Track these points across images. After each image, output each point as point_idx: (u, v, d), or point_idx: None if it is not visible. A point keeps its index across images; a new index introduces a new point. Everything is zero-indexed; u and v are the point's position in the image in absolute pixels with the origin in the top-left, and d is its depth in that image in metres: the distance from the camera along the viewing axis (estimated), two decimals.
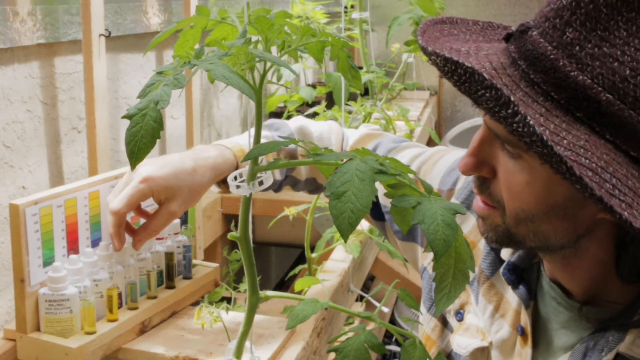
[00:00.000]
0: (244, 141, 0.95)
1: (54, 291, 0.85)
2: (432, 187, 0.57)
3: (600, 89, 0.58)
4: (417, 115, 2.41)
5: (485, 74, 0.59)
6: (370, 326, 0.62)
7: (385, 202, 0.95)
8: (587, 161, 0.56)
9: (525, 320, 0.75)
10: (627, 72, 0.57)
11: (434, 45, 0.65)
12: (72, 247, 0.91)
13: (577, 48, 0.59)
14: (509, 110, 0.57)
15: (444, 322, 0.86)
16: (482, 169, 0.68)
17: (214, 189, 0.97)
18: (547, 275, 0.75)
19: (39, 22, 1.05)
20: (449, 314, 0.83)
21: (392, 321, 2.01)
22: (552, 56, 0.59)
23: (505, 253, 0.79)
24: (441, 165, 0.91)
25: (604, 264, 0.68)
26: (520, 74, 0.61)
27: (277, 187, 0.98)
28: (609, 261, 0.67)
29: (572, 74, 0.58)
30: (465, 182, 0.87)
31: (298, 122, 1.00)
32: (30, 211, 0.84)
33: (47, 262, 0.87)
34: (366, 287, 1.84)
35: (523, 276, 0.77)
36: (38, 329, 0.87)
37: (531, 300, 0.76)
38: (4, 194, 1.02)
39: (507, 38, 0.66)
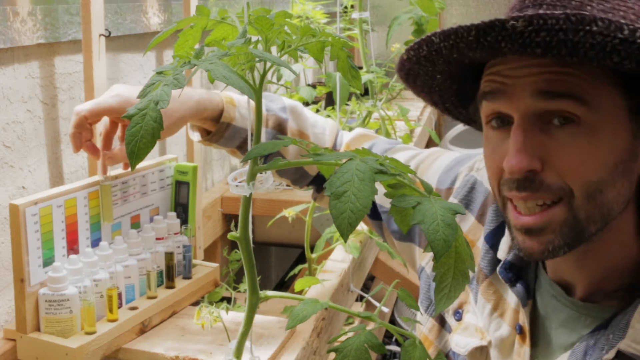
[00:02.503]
0: (232, 94, 0.94)
1: (54, 291, 0.85)
2: (432, 187, 0.57)
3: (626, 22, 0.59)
4: (417, 115, 2.41)
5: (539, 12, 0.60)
6: (370, 326, 0.62)
7: (382, 201, 0.95)
8: None
9: (523, 319, 0.75)
10: (632, 16, 0.62)
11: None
12: (72, 247, 0.91)
13: (589, 8, 0.63)
14: (586, 26, 0.57)
15: (442, 323, 0.85)
16: (534, 161, 0.64)
17: (195, 137, 0.95)
18: (547, 274, 0.75)
19: (39, 22, 1.05)
20: (448, 313, 0.83)
21: (392, 321, 2.01)
22: (568, 12, 0.58)
23: (502, 252, 0.79)
24: (438, 164, 0.91)
25: (624, 247, 0.68)
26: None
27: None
28: (629, 241, 0.68)
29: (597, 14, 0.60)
30: (464, 181, 0.87)
31: (294, 102, 1.00)
32: (30, 211, 0.84)
33: (47, 262, 0.87)
34: (366, 287, 1.84)
35: (521, 274, 0.76)
36: (38, 329, 0.87)
37: (530, 299, 0.75)
38: (3, 194, 1.02)
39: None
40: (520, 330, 0.75)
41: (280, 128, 0.95)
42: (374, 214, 0.97)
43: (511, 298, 0.77)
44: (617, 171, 0.64)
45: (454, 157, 0.91)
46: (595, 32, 0.57)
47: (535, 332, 0.75)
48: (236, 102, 0.93)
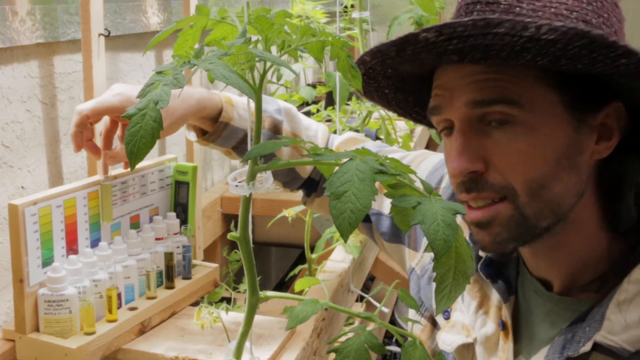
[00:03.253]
0: (231, 95, 0.95)
1: (53, 291, 0.85)
2: (432, 187, 0.57)
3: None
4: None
5: (492, 17, 0.62)
6: (371, 326, 0.62)
7: (372, 204, 0.95)
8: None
9: (505, 315, 0.76)
10: (564, 11, 0.64)
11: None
12: (72, 247, 0.91)
13: (517, 9, 0.64)
14: (532, 29, 0.58)
15: (434, 323, 0.86)
16: (476, 163, 0.68)
17: (191, 137, 0.95)
18: (527, 269, 0.76)
19: (38, 22, 1.05)
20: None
21: (392, 321, 2.01)
22: (504, 17, 0.61)
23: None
24: (425, 165, 0.93)
25: (590, 237, 0.69)
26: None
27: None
28: (594, 231, 0.69)
29: (528, 20, 0.62)
30: (449, 182, 0.88)
31: (288, 105, 1.00)
32: (30, 211, 0.84)
33: (47, 262, 0.87)
34: (366, 288, 1.84)
35: (502, 271, 0.78)
36: (37, 329, 0.86)
37: (512, 295, 0.77)
38: (3, 194, 1.02)
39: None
40: (503, 326, 0.76)
41: (275, 130, 0.96)
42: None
43: (494, 295, 0.78)
44: (560, 166, 0.65)
45: (440, 159, 0.93)
46: (502, 34, 0.59)
47: (518, 328, 0.76)
48: (235, 102, 0.93)
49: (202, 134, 0.94)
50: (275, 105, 0.97)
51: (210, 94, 0.91)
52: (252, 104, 0.60)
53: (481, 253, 0.80)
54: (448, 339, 0.80)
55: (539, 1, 0.64)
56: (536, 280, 0.75)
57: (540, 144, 0.65)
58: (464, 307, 0.81)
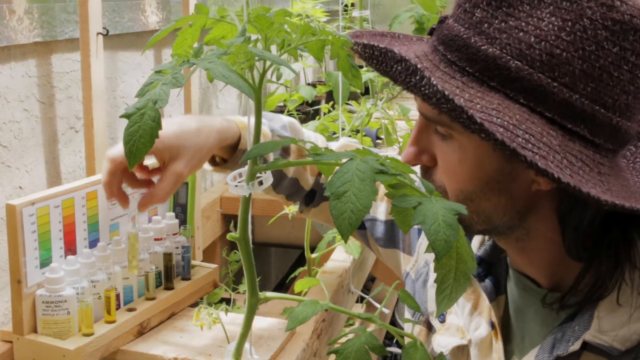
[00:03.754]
0: (244, 119, 0.94)
1: (51, 292, 0.85)
2: (433, 187, 0.56)
3: (509, 57, 0.62)
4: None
5: (395, 50, 0.65)
6: (371, 327, 0.62)
7: None
8: (499, 120, 0.60)
9: (493, 314, 0.76)
10: (532, 39, 0.62)
11: (360, 39, 0.71)
12: (70, 247, 0.91)
13: (486, 25, 0.64)
14: (417, 77, 0.63)
15: (429, 327, 0.86)
16: (422, 158, 0.72)
17: (207, 167, 0.94)
18: (512, 265, 0.77)
19: (36, 21, 1.04)
20: (432, 316, 0.85)
21: (393, 322, 2.01)
22: (464, 36, 0.65)
23: (473, 248, 0.81)
24: (417, 169, 0.93)
25: (557, 243, 0.69)
26: (440, 57, 0.67)
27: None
28: (559, 240, 0.69)
29: (483, 47, 0.63)
30: None
31: (290, 119, 1.01)
32: (27, 212, 0.83)
33: (45, 263, 0.86)
34: (366, 288, 1.83)
35: (491, 270, 0.78)
36: (35, 330, 0.86)
37: (501, 295, 0.77)
38: (0, 194, 1.01)
39: (431, 32, 0.72)
40: (493, 326, 0.76)
41: (284, 148, 0.97)
42: None
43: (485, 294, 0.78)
44: (488, 187, 0.68)
45: None
46: (398, 71, 0.65)
47: (509, 328, 0.76)
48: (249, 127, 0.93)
49: (214, 162, 0.93)
50: (279, 122, 0.97)
51: (228, 122, 0.90)
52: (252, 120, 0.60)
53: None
54: (443, 342, 0.81)
55: (511, 20, 0.63)
56: (524, 277, 0.75)
57: (470, 163, 0.67)
58: (459, 309, 0.81)
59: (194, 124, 0.84)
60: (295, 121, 1.01)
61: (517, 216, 0.69)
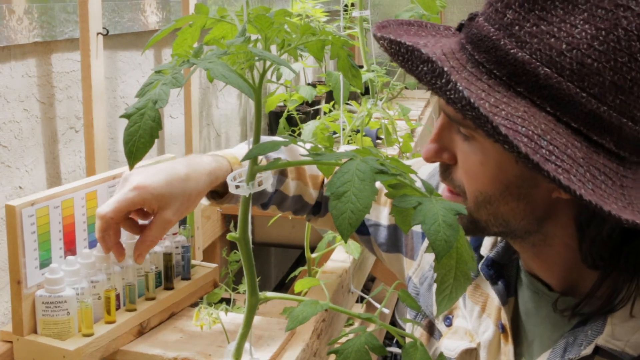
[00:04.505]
0: (235, 151, 0.94)
1: (51, 293, 0.84)
2: (433, 187, 0.56)
3: (538, 63, 0.60)
4: (418, 115, 2.40)
5: (422, 50, 0.63)
6: (371, 327, 0.61)
7: (369, 215, 0.96)
8: (524, 129, 0.58)
9: (504, 317, 0.75)
10: (564, 46, 0.60)
11: (385, 32, 0.69)
12: (70, 248, 0.91)
13: (517, 27, 0.62)
14: (443, 80, 0.61)
15: (431, 331, 0.86)
16: (442, 156, 0.71)
17: (204, 202, 0.94)
18: (524, 268, 0.76)
19: (36, 21, 1.04)
20: (438, 320, 0.84)
21: (393, 322, 2.01)
22: (493, 37, 0.63)
23: (485, 249, 0.80)
24: (422, 172, 0.93)
25: (573, 250, 0.68)
26: (467, 57, 0.65)
27: (266, 200, 0.96)
28: (576, 247, 0.68)
29: (512, 51, 0.61)
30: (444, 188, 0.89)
31: (291, 146, 1.00)
32: (27, 212, 0.83)
33: (44, 263, 0.86)
34: (366, 288, 1.83)
35: (502, 272, 0.78)
36: (35, 331, 0.86)
37: (511, 297, 0.76)
38: (0, 194, 1.01)
39: (459, 28, 0.70)
40: (503, 329, 0.75)
41: (281, 171, 0.97)
42: (362, 228, 0.98)
43: (494, 296, 0.78)
44: (508, 191, 0.67)
45: (434, 166, 0.93)
46: (424, 72, 0.63)
47: (518, 330, 0.76)
48: (240, 158, 0.92)
49: (212, 195, 0.93)
50: (280, 154, 0.97)
51: (217, 161, 0.89)
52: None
53: (483, 253, 0.79)
54: (451, 345, 0.80)
55: (544, 24, 0.61)
56: (537, 280, 0.74)
57: (491, 167, 0.66)
58: (467, 312, 0.80)
59: (183, 170, 0.84)
60: (294, 145, 1.01)
61: (535, 222, 0.68)
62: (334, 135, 1.49)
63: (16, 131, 1.04)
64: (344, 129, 1.39)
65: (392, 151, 1.79)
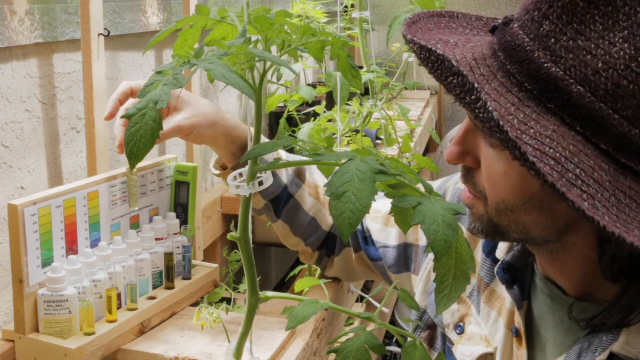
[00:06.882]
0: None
1: (53, 292, 0.85)
2: (432, 187, 0.57)
3: (571, 80, 0.58)
4: (418, 115, 2.41)
5: (453, 61, 0.60)
6: (371, 327, 0.62)
7: (378, 237, 0.97)
8: (552, 150, 0.57)
9: (518, 321, 0.75)
10: (600, 65, 0.57)
11: (416, 34, 0.67)
12: (71, 247, 0.91)
13: (552, 40, 0.60)
14: (473, 96, 0.59)
15: (430, 343, 0.86)
16: (466, 158, 0.70)
17: (214, 170, 0.97)
18: (539, 272, 0.75)
19: (37, 21, 1.05)
20: (448, 328, 0.83)
21: (393, 322, 2.01)
22: (527, 47, 0.61)
23: (500, 252, 0.79)
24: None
25: (592, 260, 0.67)
26: (498, 65, 0.63)
27: (280, 206, 0.99)
28: (595, 258, 0.67)
29: (546, 65, 0.59)
30: (452, 194, 0.89)
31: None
32: (29, 211, 0.84)
33: (46, 262, 0.87)
34: (366, 288, 1.83)
35: (517, 276, 0.77)
36: (37, 329, 0.86)
37: (524, 300, 0.76)
38: (2, 194, 1.01)
39: (493, 30, 0.68)
40: (517, 333, 0.75)
41: (298, 172, 0.99)
42: (374, 253, 0.98)
43: (509, 300, 0.77)
44: (530, 203, 0.65)
45: (441, 182, 0.94)
46: (454, 84, 0.60)
47: (531, 334, 0.75)
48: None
49: (223, 169, 0.97)
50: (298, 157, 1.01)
51: (241, 130, 0.93)
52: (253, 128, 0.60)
53: (498, 256, 0.79)
54: (466, 351, 0.79)
55: (582, 39, 0.58)
56: (552, 284, 0.74)
57: (514, 178, 0.65)
58: (481, 319, 0.80)
59: (212, 105, 0.90)
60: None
61: (555, 232, 0.67)
62: (333, 136, 1.50)
63: (18, 131, 1.05)
64: (335, 134, 1.40)
65: (391, 151, 1.80)
